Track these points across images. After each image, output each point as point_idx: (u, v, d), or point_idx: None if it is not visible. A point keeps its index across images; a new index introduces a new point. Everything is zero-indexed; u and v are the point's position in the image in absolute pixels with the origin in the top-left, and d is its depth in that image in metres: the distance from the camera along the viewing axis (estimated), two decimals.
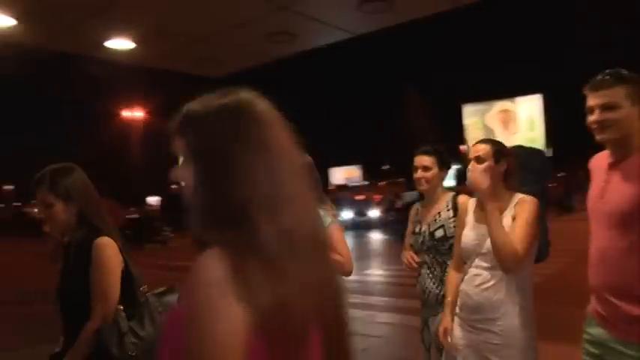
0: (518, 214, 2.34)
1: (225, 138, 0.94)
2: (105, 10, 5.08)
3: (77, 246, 2.03)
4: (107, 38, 5.73)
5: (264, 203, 0.91)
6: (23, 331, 6.50)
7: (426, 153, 2.97)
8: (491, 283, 2.37)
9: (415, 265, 2.97)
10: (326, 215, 2.58)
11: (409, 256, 3.01)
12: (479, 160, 2.44)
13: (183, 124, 0.99)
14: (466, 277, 2.46)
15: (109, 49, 5.92)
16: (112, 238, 2.07)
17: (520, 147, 2.75)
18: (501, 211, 2.37)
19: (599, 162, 2.19)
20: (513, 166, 2.48)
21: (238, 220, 0.90)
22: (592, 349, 2.10)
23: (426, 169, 2.94)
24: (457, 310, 2.51)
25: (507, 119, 26.62)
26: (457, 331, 2.49)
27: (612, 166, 2.08)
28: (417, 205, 3.14)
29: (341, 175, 43.67)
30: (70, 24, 5.26)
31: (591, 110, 2.03)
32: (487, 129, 25.90)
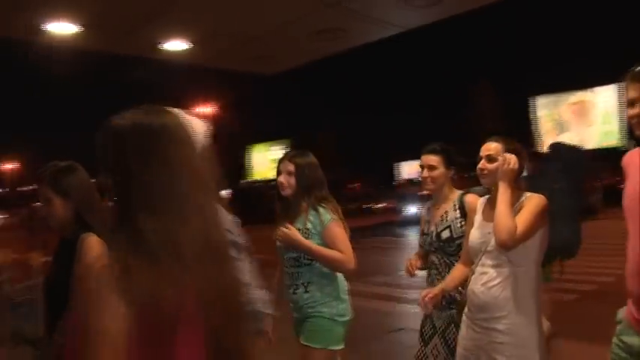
0: (523, 207, 2.31)
1: (131, 152, 1.04)
2: (161, 13, 5.31)
3: (68, 241, 2.13)
4: (164, 40, 5.98)
5: (156, 210, 1.02)
6: None
7: (432, 152, 2.93)
8: (498, 280, 2.34)
9: (414, 273, 2.96)
10: (326, 213, 2.66)
11: (409, 263, 2.99)
12: (490, 159, 2.41)
13: (104, 138, 1.09)
14: (473, 277, 2.44)
15: (166, 50, 6.17)
16: (102, 237, 2.16)
17: (558, 143, 2.68)
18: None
19: (633, 158, 2.06)
20: (524, 165, 2.43)
21: (131, 222, 1.00)
22: (624, 358, 1.98)
23: (431, 168, 2.91)
24: (465, 309, 2.49)
25: (582, 111, 25.46)
26: (465, 332, 2.47)
27: None
28: (428, 205, 3.12)
29: (410, 169, 43.27)
30: (129, 28, 5.54)
31: (631, 103, 1.87)
32: (559, 121, 24.85)
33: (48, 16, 4.96)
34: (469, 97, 39.06)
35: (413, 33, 6.51)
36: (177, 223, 1.03)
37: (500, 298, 2.32)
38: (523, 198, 2.37)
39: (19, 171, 50.40)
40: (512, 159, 2.35)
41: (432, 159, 2.91)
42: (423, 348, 2.88)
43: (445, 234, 2.85)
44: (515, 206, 2.34)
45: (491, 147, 2.44)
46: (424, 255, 3.03)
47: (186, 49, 6.31)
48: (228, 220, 1.60)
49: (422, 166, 2.95)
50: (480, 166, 2.45)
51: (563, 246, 4.11)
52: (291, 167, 2.78)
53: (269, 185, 37.14)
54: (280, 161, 2.84)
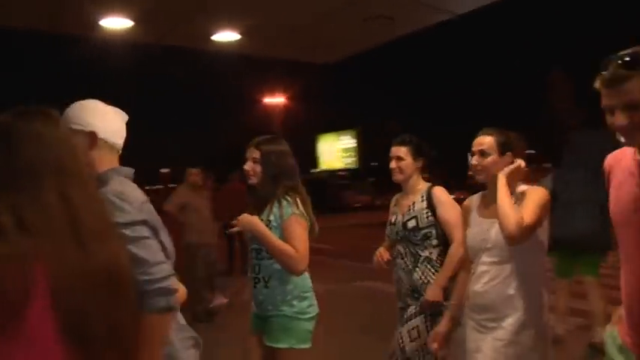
0: (525, 198, 2.19)
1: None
2: (211, 5, 5.43)
3: None
4: (214, 32, 6.12)
5: (14, 201, 1.11)
6: None
7: (401, 143, 2.92)
8: (500, 278, 2.24)
9: (383, 263, 2.95)
10: (288, 206, 2.53)
11: (379, 253, 2.99)
12: (482, 154, 2.30)
13: None
14: (474, 277, 2.33)
15: (216, 41, 6.31)
16: None
17: (582, 130, 2.52)
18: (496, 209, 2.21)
19: (619, 159, 1.73)
20: (521, 158, 2.29)
21: None
22: None
23: (399, 159, 2.90)
24: (468, 311, 2.38)
25: None
26: (469, 334, 2.36)
27: None
28: (396, 196, 3.09)
29: None
30: (179, 21, 5.71)
31: (608, 110, 1.57)
32: None
33: (102, 12, 5.20)
34: (544, 83, 37.37)
35: (483, 16, 6.28)
36: (26, 202, 1.10)
37: (504, 296, 2.22)
38: (518, 192, 2.24)
39: None
40: (521, 164, 2.26)
41: (400, 150, 2.92)
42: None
43: (411, 223, 2.84)
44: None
45: (484, 141, 2.32)
46: (391, 246, 3.02)
47: (237, 40, 6.43)
48: (135, 200, 1.61)
49: (390, 157, 2.94)
50: (472, 161, 2.34)
51: (586, 238, 3.89)
52: (257, 154, 2.66)
53: (335, 175, 37.26)
54: (247, 148, 2.72)
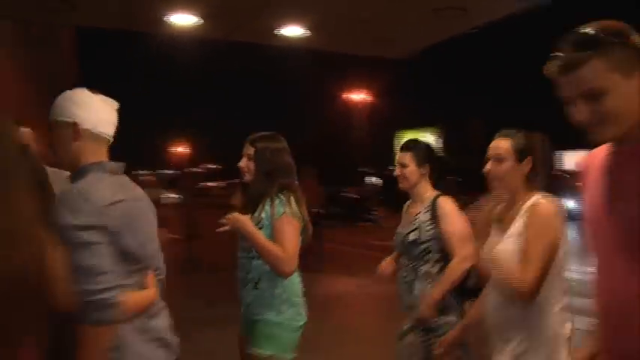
0: (529, 228, 1.93)
1: None
2: (275, 1, 5.41)
3: None
4: (281, 26, 6.09)
5: None
6: None
7: (403, 149, 2.75)
8: (499, 301, 2.02)
9: (387, 275, 2.85)
10: (280, 205, 2.44)
11: (383, 264, 2.86)
12: (497, 159, 2.08)
13: None
14: (487, 297, 2.13)
15: (281, 36, 6.29)
16: None
17: None
18: (511, 220, 2.00)
19: (595, 162, 1.46)
20: (539, 164, 2.06)
21: None
22: None
23: (403, 166, 2.73)
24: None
25: None
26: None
27: (620, 159, 1.35)
28: (408, 202, 2.91)
29: (575, 159, 39.63)
30: (247, 17, 5.73)
31: (568, 102, 1.31)
32: None
33: (170, 9, 5.31)
34: None
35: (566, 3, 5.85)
36: None
37: (504, 321, 2.00)
38: (529, 204, 2.00)
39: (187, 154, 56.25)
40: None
41: (403, 156, 2.76)
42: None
43: (411, 236, 2.67)
44: (518, 216, 2.02)
45: (499, 145, 2.09)
46: (398, 256, 2.87)
47: (304, 35, 6.37)
48: (97, 202, 1.52)
49: (396, 164, 2.81)
50: (485, 168, 2.11)
51: None
52: (251, 151, 2.60)
53: None
54: (243, 144, 2.65)
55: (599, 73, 1.21)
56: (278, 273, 2.44)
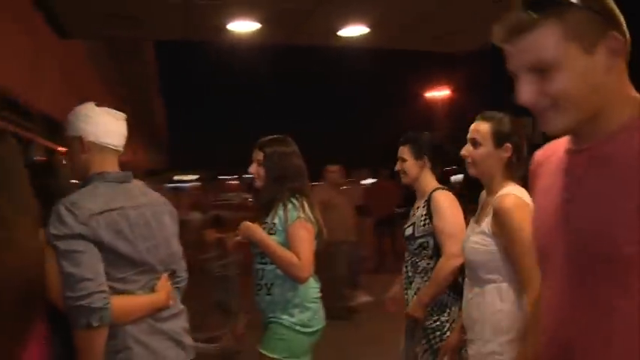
0: (499, 223, 1.80)
1: None
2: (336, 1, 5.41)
3: None
4: (340, 27, 6.08)
5: None
6: None
7: (401, 143, 2.63)
8: (469, 297, 1.91)
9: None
10: (294, 210, 2.38)
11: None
12: (474, 143, 1.93)
13: None
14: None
15: (342, 37, 6.28)
16: None
17: None
18: (485, 212, 1.89)
19: (549, 156, 1.22)
20: (520, 152, 1.90)
21: None
22: None
23: (402, 160, 2.62)
24: None
25: None
26: None
27: (578, 161, 1.07)
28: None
29: None
30: (304, 19, 5.78)
31: (515, 75, 1.05)
32: None
33: (230, 17, 5.46)
34: None
35: None
36: None
37: (471, 319, 1.89)
38: (503, 192, 1.85)
39: None
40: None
41: (401, 150, 2.64)
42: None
43: (408, 231, 2.58)
44: (488, 208, 1.88)
45: (478, 128, 1.95)
46: None
47: (364, 34, 6.32)
48: (84, 212, 1.58)
49: (397, 158, 2.69)
50: (462, 151, 1.98)
51: None
52: (260, 156, 2.55)
53: None
54: (253, 149, 2.61)
55: (551, 41, 0.96)
56: (294, 279, 2.41)
